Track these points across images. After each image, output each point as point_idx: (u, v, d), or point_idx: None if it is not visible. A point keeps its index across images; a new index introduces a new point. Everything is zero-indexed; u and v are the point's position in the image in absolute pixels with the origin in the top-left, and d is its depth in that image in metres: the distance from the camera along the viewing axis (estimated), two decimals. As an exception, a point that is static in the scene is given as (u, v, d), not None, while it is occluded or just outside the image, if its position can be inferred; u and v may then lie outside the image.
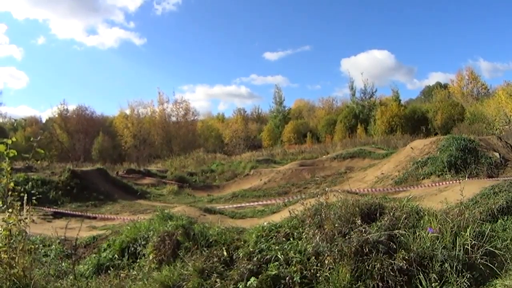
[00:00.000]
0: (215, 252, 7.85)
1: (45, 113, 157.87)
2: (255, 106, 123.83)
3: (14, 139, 6.69)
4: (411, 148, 24.77)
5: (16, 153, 6.60)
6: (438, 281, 5.68)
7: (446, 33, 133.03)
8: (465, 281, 5.61)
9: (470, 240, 6.18)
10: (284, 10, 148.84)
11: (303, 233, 7.23)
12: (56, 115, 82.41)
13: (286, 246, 7.10)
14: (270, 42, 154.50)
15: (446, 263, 5.85)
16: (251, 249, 7.44)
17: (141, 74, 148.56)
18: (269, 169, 36.95)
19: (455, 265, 5.78)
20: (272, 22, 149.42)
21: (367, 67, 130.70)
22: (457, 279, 5.65)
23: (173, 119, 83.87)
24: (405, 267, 5.87)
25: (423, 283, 5.71)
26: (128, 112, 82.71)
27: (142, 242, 9.65)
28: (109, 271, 9.06)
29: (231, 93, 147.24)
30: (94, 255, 10.56)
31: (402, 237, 6.37)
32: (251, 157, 47.67)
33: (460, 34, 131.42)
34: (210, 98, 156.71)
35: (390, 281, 5.81)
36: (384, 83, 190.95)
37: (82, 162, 51.79)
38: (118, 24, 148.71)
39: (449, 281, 5.68)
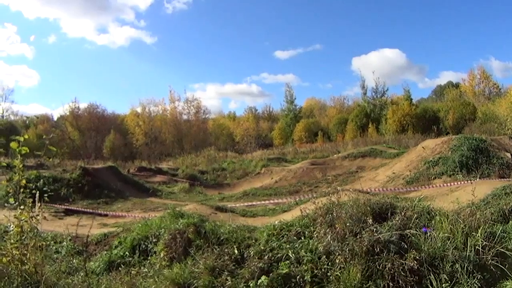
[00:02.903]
0: (226, 250, 7.87)
1: (57, 111, 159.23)
2: (266, 105, 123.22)
3: (26, 136, 6.71)
4: (423, 147, 24.71)
5: (28, 151, 6.62)
6: (449, 282, 5.66)
7: (458, 32, 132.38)
8: (476, 282, 5.59)
9: (481, 241, 6.15)
10: (295, 9, 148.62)
11: (314, 232, 7.22)
12: (68, 113, 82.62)
13: (297, 245, 7.11)
14: (281, 40, 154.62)
15: (457, 264, 5.83)
16: (262, 248, 7.45)
17: (152, 72, 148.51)
18: (280, 167, 36.93)
19: (466, 266, 5.76)
20: (283, 20, 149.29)
21: (378, 66, 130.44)
22: (468, 280, 5.63)
23: (185, 117, 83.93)
24: (416, 267, 5.86)
25: (434, 283, 5.68)
26: (139, 110, 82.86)
27: (153, 240, 9.70)
28: (120, 268, 9.09)
29: (242, 92, 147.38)
30: (105, 252, 10.61)
31: (413, 237, 6.35)
32: (262, 156, 47.56)
33: (472, 33, 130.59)
34: (221, 96, 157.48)
35: (400, 281, 5.80)
36: (395, 82, 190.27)
37: (94, 159, 52.04)
38: (129, 22, 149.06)
39: (460, 282, 5.66)
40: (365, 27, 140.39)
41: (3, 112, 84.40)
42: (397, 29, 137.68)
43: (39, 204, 7.79)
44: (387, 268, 5.94)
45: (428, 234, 6.40)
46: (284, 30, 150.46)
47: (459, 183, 16.54)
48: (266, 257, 7.05)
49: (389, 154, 33.74)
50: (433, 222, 6.81)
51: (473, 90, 68.55)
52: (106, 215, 19.64)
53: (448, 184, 17.06)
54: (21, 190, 6.60)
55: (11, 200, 6.65)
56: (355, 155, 35.98)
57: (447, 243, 6.19)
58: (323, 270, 6.35)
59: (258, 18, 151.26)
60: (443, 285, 5.65)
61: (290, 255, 6.83)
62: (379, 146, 39.65)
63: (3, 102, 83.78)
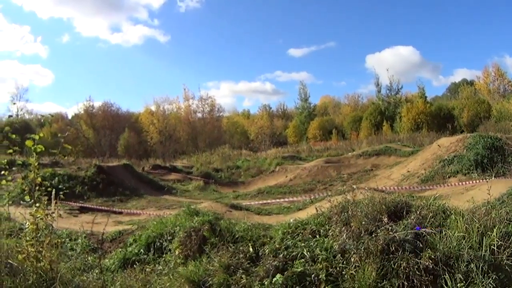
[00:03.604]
0: (241, 248, 7.91)
1: (71, 110, 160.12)
2: (280, 103, 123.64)
3: (41, 134, 6.75)
4: (438, 145, 24.61)
5: (43, 149, 6.65)
6: (464, 282, 5.61)
7: (472, 29, 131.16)
8: (491, 282, 5.54)
9: (497, 241, 6.10)
10: (308, 6, 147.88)
11: (330, 231, 7.25)
12: (82, 112, 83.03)
13: (312, 243, 7.12)
14: (294, 38, 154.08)
15: (472, 264, 5.78)
16: (277, 246, 7.47)
17: (166, 71, 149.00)
18: (294, 165, 36.93)
19: (481, 265, 5.71)
20: (297, 18, 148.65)
21: (392, 64, 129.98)
22: (483, 280, 5.58)
23: (199, 115, 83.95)
24: (431, 266, 5.83)
25: (449, 283, 5.65)
26: (153, 108, 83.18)
27: (168, 237, 9.75)
28: (135, 266, 9.17)
29: (256, 90, 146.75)
30: (120, 249, 10.70)
31: (428, 236, 6.32)
32: (276, 154, 47.46)
33: (486, 30, 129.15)
34: (235, 94, 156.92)
35: (415, 281, 5.78)
36: (410, 80, 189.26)
37: (108, 157, 52.18)
38: (142, 21, 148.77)
39: (475, 282, 5.61)
40: (378, 24, 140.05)
41: (18, 111, 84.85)
42: (410, 26, 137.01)
43: (54, 202, 7.83)
44: (402, 267, 5.92)
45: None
46: (298, 27, 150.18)
47: (474, 182, 16.46)
48: (281, 256, 7.07)
49: (404, 152, 33.59)
50: (448, 221, 6.77)
51: (487, 87, 67.88)
52: (120, 213, 19.72)
53: (463, 183, 16.98)
54: (37, 188, 6.64)
55: (27, 198, 6.69)
56: (369, 153, 35.86)
57: (462, 242, 6.15)
58: (338, 268, 6.35)
59: (271, 16, 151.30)
60: (458, 284, 5.60)
61: (305, 254, 6.85)
62: (393, 144, 39.47)
63: (18, 101, 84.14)
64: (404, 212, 7.14)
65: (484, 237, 6.21)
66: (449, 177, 19.81)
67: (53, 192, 7.70)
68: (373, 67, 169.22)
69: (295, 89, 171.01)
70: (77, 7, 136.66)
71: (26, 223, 6.67)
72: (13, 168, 7.29)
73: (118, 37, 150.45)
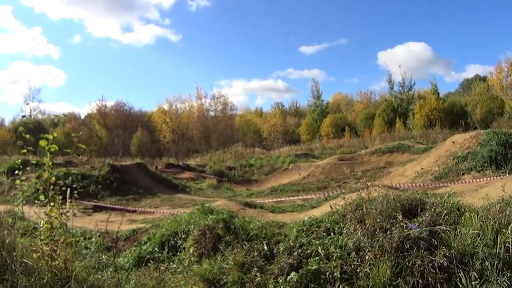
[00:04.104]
0: (255, 246, 7.94)
1: (84, 110, 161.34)
2: (293, 100, 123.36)
3: (55, 134, 6.78)
4: (453, 142, 24.50)
5: (57, 148, 6.68)
6: (478, 280, 5.58)
7: (484, 25, 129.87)
8: (506, 280, 5.50)
9: (511, 238, 6.08)
10: (319, 3, 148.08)
11: (344, 228, 7.26)
12: (95, 111, 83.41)
13: (326, 241, 7.13)
14: (305, 35, 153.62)
15: (486, 261, 5.73)
16: (291, 244, 7.50)
17: (178, 70, 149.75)
18: (308, 163, 36.90)
19: (495, 263, 5.67)
20: (308, 15, 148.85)
21: (404, 60, 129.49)
22: (498, 278, 5.54)
23: (211, 113, 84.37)
24: (446, 264, 5.81)
25: (463, 281, 5.63)
26: (166, 107, 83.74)
27: (183, 236, 9.79)
28: (149, 264, 9.26)
29: (268, 88, 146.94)
30: (134, 248, 10.75)
31: (443, 234, 6.30)
32: (289, 152, 47.62)
33: (498, 25, 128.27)
34: (247, 92, 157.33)
35: (430, 278, 5.77)
36: (422, 76, 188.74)
37: (121, 157, 52.45)
38: (153, 21, 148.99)
39: (489, 280, 5.58)
40: (389, 21, 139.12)
41: (31, 111, 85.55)
42: (422, 23, 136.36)
43: (69, 201, 7.87)
44: (416, 265, 5.91)
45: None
46: (309, 25, 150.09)
47: (488, 178, 16.33)
48: (295, 253, 7.10)
49: (417, 149, 33.42)
50: (462, 218, 6.74)
51: (500, 83, 67.38)
52: (134, 211, 19.87)
53: (477, 180, 16.87)
54: (51, 187, 6.66)
55: (42, 197, 6.71)
56: (383, 150, 35.79)
57: (477, 240, 6.12)
58: (352, 266, 6.35)
59: (282, 13, 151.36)
60: (473, 282, 5.57)
61: (320, 251, 6.86)
62: (406, 141, 39.26)
63: (31, 102, 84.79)
64: (419, 210, 7.15)
65: (498, 234, 6.18)
66: (463, 174, 19.69)
67: (68, 191, 7.74)
68: (385, 63, 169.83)
69: (307, 86, 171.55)
70: (88, 7, 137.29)
71: (40, 222, 6.70)
72: (27, 168, 7.34)
73: (129, 37, 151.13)
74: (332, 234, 7.36)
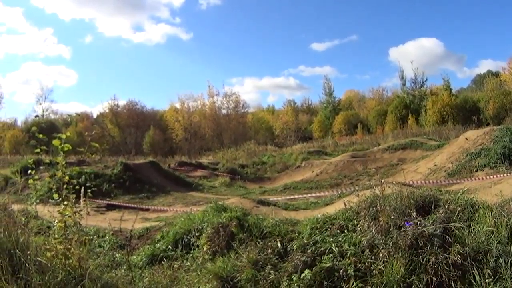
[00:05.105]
0: (269, 243, 7.93)
1: (96, 109, 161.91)
2: (305, 98, 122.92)
3: (68, 133, 6.81)
4: (466, 139, 24.40)
5: (70, 148, 6.71)
6: (492, 277, 5.53)
7: (495, 20, 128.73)
8: (520, 278, 5.49)
9: (525, 235, 6.04)
10: (330, 0, 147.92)
11: (358, 225, 7.22)
12: (107, 110, 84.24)
13: (340, 239, 7.10)
14: (317, 32, 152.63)
15: (500, 259, 5.68)
16: (305, 241, 7.47)
17: (190, 68, 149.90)
18: (320, 161, 36.92)
19: (509, 261, 5.62)
20: (318, 12, 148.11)
21: (416, 56, 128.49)
22: (512, 275, 5.53)
23: (224, 111, 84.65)
24: (460, 261, 5.77)
25: (477, 278, 5.58)
26: (178, 105, 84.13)
27: (196, 234, 9.79)
28: (162, 262, 9.27)
29: (280, 85, 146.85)
30: (147, 246, 10.77)
31: (457, 231, 6.26)
32: (302, 149, 47.53)
33: (510, 20, 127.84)
34: (259, 90, 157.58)
35: (443, 276, 5.73)
36: (434, 72, 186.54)
37: (134, 155, 52.69)
38: (164, 20, 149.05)
39: (503, 277, 5.53)
40: (400, 17, 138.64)
41: (43, 111, 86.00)
42: (433, 18, 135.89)
43: (83, 199, 7.89)
44: (430, 262, 5.88)
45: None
46: (320, 22, 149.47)
47: (501, 175, 16.26)
48: (309, 251, 7.07)
49: (430, 146, 33.27)
50: (476, 215, 6.69)
51: (513, 79, 67.27)
52: (147, 210, 19.96)
53: (491, 176, 16.79)
54: (64, 186, 6.67)
55: (55, 196, 6.73)
56: (395, 147, 35.60)
57: (491, 237, 6.07)
58: (366, 264, 6.33)
59: (293, 10, 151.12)
60: (487, 280, 5.52)
61: (333, 249, 6.84)
62: (419, 138, 39.08)
63: (43, 102, 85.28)
64: (433, 207, 7.09)
65: (512, 231, 6.14)
66: (476, 170, 19.59)
67: (82, 190, 7.76)
68: (396, 60, 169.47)
69: (319, 83, 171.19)
70: (99, 7, 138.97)
71: (54, 221, 6.74)
72: (40, 167, 7.36)
73: (140, 36, 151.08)
74: (346, 231, 7.32)
